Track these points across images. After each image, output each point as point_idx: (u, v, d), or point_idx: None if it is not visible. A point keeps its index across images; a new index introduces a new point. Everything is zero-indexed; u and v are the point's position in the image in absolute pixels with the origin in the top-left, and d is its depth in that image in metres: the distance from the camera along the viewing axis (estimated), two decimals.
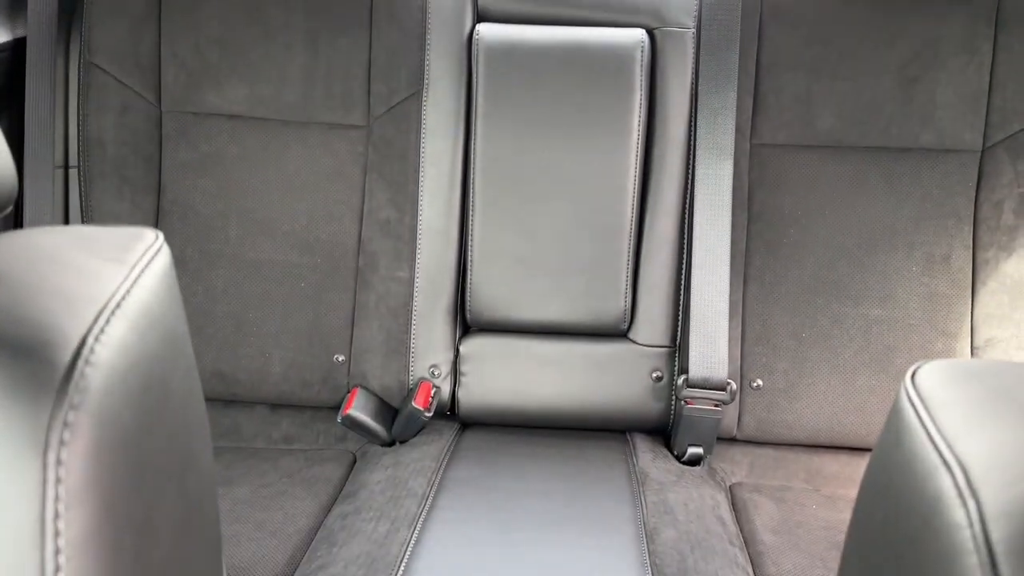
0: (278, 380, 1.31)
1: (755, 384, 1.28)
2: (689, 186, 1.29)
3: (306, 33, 1.29)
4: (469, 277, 1.31)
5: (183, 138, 1.31)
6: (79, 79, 1.32)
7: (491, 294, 1.31)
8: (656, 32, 1.29)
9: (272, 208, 1.31)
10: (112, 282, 0.42)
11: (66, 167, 1.35)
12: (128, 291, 0.42)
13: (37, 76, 1.30)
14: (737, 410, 1.29)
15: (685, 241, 1.30)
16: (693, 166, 1.28)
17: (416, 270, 1.31)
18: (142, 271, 0.44)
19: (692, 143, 1.29)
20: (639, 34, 1.28)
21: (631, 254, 1.30)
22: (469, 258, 1.31)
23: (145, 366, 0.41)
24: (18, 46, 1.31)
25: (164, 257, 0.48)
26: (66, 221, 1.35)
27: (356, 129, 1.31)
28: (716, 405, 1.24)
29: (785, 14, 1.28)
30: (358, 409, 1.26)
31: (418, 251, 1.30)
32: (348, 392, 1.29)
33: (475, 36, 1.28)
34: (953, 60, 1.25)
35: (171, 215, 1.32)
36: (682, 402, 1.24)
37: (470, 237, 1.30)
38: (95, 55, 1.30)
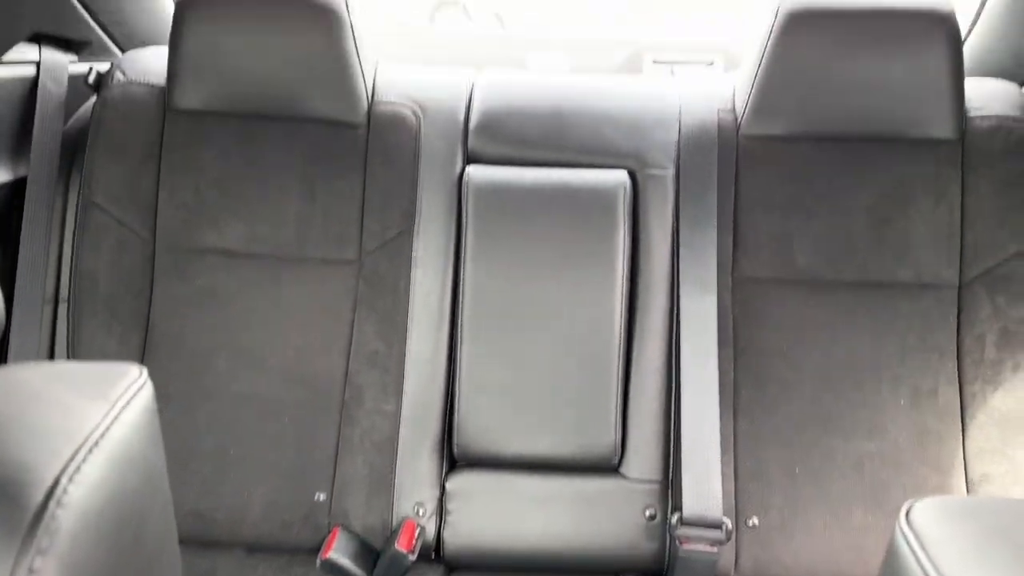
0: (257, 520, 1.27)
1: (750, 522, 1.25)
2: (675, 320, 1.31)
3: (303, 176, 1.33)
4: (457, 410, 1.30)
5: (177, 273, 1.33)
6: (76, 217, 1.34)
7: (479, 427, 1.29)
8: (637, 174, 1.34)
9: (262, 342, 1.31)
10: (92, 419, 0.41)
11: (56, 302, 1.35)
12: (108, 428, 0.41)
13: (34, 213, 1.33)
14: (734, 550, 1.24)
15: (673, 375, 1.30)
16: (678, 301, 1.30)
17: (403, 403, 1.29)
18: (124, 407, 0.44)
19: (675, 278, 1.31)
20: (622, 175, 1.33)
21: (620, 387, 1.30)
22: (457, 390, 1.30)
23: (120, 504, 0.40)
24: (18, 184, 1.34)
25: (147, 393, 0.48)
26: (52, 355, 1.34)
27: (348, 264, 1.33)
28: (712, 545, 1.20)
29: (759, 157, 1.33)
30: (338, 552, 1.20)
31: (405, 383, 1.30)
32: (328, 533, 1.24)
33: (465, 177, 1.33)
34: (923, 199, 1.30)
35: (159, 350, 1.31)
36: (677, 541, 1.20)
37: (458, 370, 1.30)
38: (95, 194, 1.32)
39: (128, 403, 0.45)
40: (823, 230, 1.31)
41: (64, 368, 0.49)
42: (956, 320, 1.29)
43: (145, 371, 0.49)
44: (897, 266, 1.30)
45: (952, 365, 1.28)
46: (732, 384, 1.28)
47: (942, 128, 1.30)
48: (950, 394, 1.27)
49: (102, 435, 0.40)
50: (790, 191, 1.32)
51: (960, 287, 1.29)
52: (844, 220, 1.31)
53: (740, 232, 1.32)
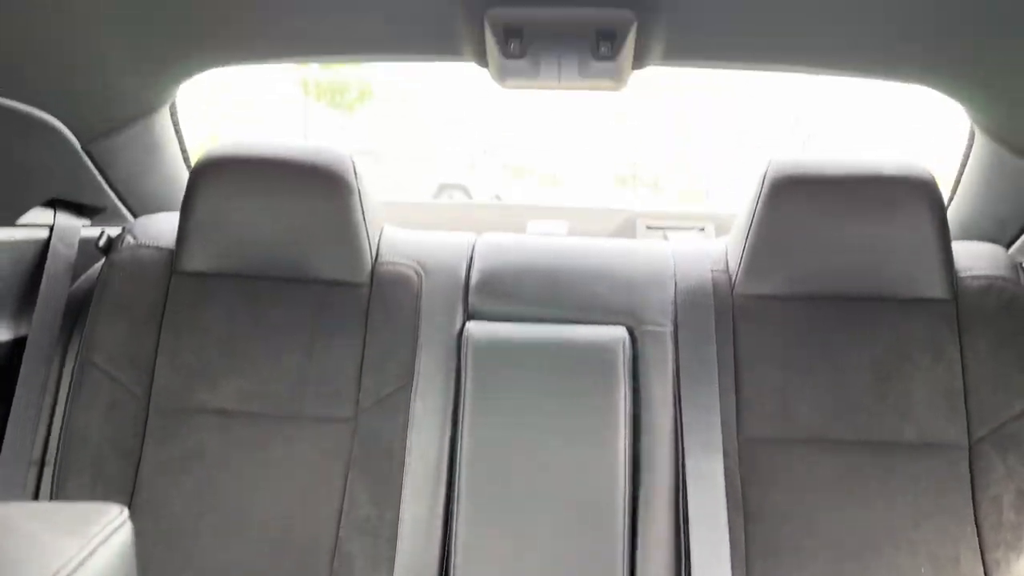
0: None
1: None
2: (681, 482, 1.26)
3: (303, 334, 1.33)
4: None
5: (168, 434, 1.30)
6: (72, 377, 1.33)
7: None
8: (635, 330, 1.35)
9: (249, 506, 1.26)
10: (66, 554, 0.39)
11: (41, 464, 1.32)
12: (82, 563, 0.39)
13: (31, 373, 1.32)
14: None
15: (682, 542, 1.24)
16: (683, 461, 1.27)
17: (394, 574, 1.22)
18: (100, 544, 0.42)
19: (679, 437, 1.29)
20: (620, 331, 1.34)
21: (626, 557, 1.23)
22: (452, 560, 1.23)
23: None
24: (18, 344, 1.34)
25: (125, 532, 0.45)
26: None
27: (343, 422, 1.30)
28: None
29: (755, 316, 1.34)
30: None
31: (397, 552, 1.23)
32: None
33: (465, 333, 1.34)
34: (922, 358, 1.30)
35: (143, 514, 1.26)
36: None
37: (454, 536, 1.24)
38: (93, 354, 1.32)
39: (105, 540, 0.42)
40: (825, 388, 1.30)
41: (44, 507, 0.47)
42: (969, 482, 1.25)
43: (125, 511, 0.47)
44: (902, 425, 1.27)
45: (971, 530, 1.22)
46: (744, 552, 1.22)
47: (934, 288, 1.32)
48: (972, 562, 1.21)
49: (74, 570, 0.38)
50: (789, 349, 1.32)
51: (969, 447, 1.26)
52: (845, 378, 1.30)
53: (742, 390, 1.31)
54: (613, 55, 1.16)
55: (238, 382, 1.31)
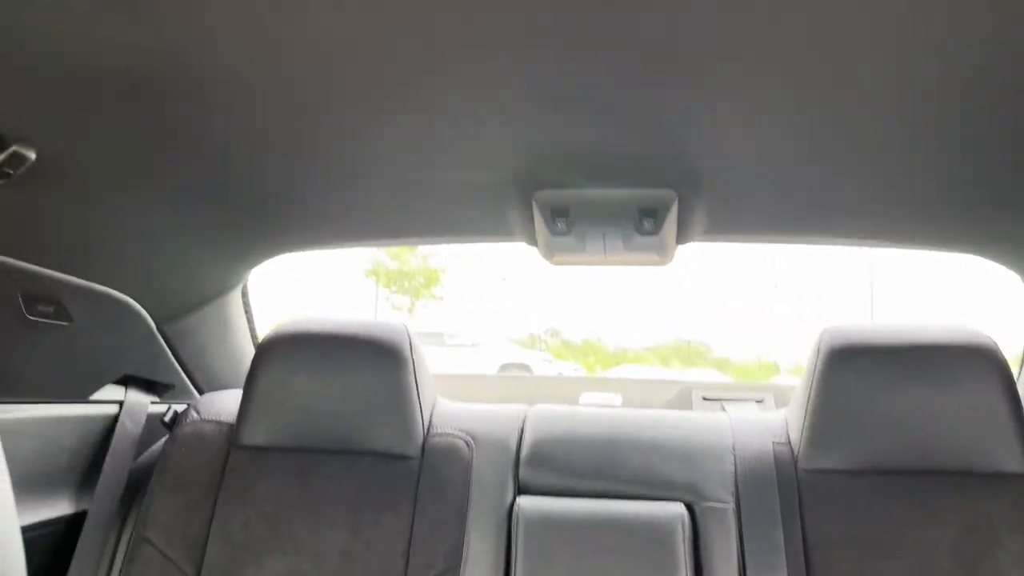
0: None
1: None
2: None
3: (352, 509, 1.31)
4: None
5: None
6: (126, 553, 1.33)
7: None
8: (695, 507, 1.30)
9: None
10: None
11: None
12: None
13: (87, 550, 1.32)
14: None
15: None
16: None
17: None
18: None
19: None
20: (679, 508, 1.28)
21: None
22: None
23: None
24: (76, 519, 1.36)
25: None
26: None
27: None
28: None
29: (822, 492, 1.28)
30: None
31: None
32: None
33: (515, 508, 1.30)
34: (1010, 540, 1.20)
35: None
36: None
37: None
38: (148, 530, 1.32)
39: None
40: (905, 572, 1.20)
41: None
42: None
43: None
44: None
45: None
46: None
47: (1013, 462, 1.24)
48: None
49: None
50: (862, 528, 1.24)
51: None
52: (927, 563, 1.20)
53: (814, 573, 1.22)
54: (656, 230, 1.20)
55: (284, 560, 1.29)
